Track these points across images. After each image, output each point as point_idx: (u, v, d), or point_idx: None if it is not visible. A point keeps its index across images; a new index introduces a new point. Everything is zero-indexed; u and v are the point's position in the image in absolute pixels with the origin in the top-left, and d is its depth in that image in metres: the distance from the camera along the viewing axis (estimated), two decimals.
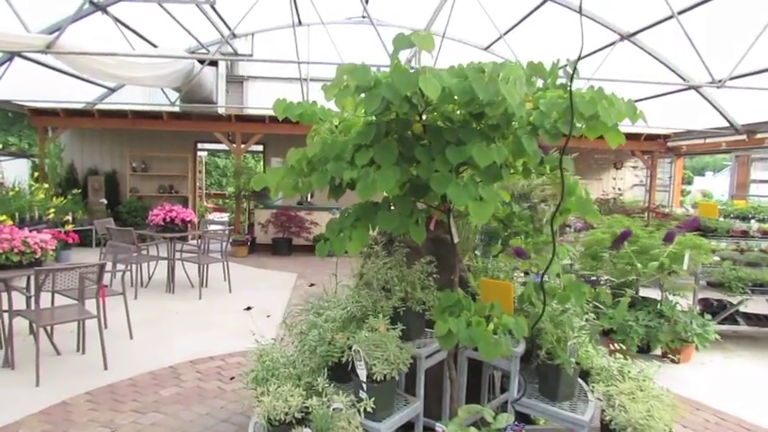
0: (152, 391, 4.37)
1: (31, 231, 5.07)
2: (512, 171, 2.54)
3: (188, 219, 7.84)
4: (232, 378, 4.57)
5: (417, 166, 2.30)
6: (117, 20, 8.82)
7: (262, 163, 14.25)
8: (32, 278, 4.82)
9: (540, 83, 2.52)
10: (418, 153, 2.30)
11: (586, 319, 2.77)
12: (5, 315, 4.75)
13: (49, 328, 5.19)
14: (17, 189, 9.05)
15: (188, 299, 7.38)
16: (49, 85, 10.73)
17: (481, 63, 2.21)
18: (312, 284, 4.54)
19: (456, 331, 2.08)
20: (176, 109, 11.97)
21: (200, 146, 13.87)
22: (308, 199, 12.14)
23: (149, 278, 8.17)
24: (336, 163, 2.32)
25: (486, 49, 12.58)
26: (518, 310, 2.55)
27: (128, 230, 7.32)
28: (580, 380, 2.85)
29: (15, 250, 4.70)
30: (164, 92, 11.21)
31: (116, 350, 5.12)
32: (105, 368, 4.74)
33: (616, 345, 3.90)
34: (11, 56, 9.16)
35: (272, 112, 9.73)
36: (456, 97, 2.12)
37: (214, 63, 11.49)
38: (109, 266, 5.53)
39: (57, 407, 4.04)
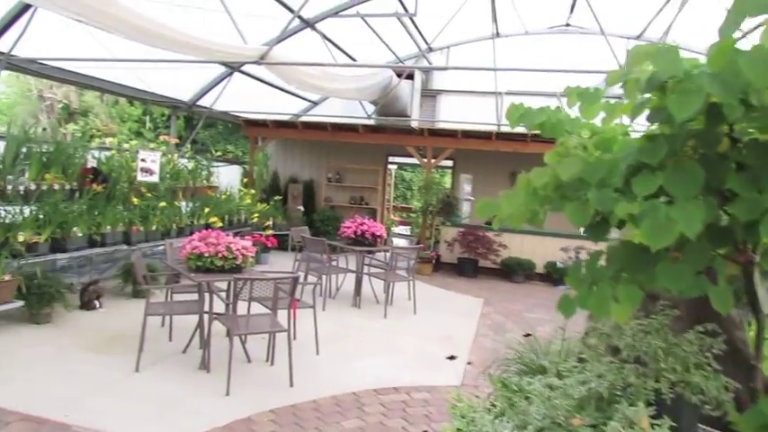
0: (334, 420, 4.06)
1: (236, 235, 5.18)
2: None
3: (378, 233, 7.67)
4: None
5: (732, 200, 1.55)
6: (323, 35, 9.11)
7: (450, 178, 13.90)
8: (231, 284, 4.88)
9: None
10: (732, 181, 1.55)
11: None
12: (206, 317, 4.86)
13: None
14: (228, 193, 9.78)
15: (373, 316, 7.17)
16: (260, 99, 11.56)
17: None
18: (528, 335, 3.80)
19: None
20: (372, 122, 12.16)
21: (390, 159, 13.96)
22: None
23: (337, 290, 8.17)
24: (601, 191, 1.66)
25: None
26: None
27: (320, 241, 7.35)
28: None
29: (219, 255, 4.79)
30: (362, 105, 11.40)
31: (302, 365, 4.97)
32: (291, 385, 4.59)
33: None
34: (230, 71, 9.98)
35: (464, 127, 9.29)
36: None
37: (410, 77, 11.43)
38: (301, 277, 5.48)
39: (242, 423, 3.91)
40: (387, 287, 7.33)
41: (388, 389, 4.75)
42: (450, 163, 13.24)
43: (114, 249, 6.83)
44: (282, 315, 4.95)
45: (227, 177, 11.57)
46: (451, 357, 5.24)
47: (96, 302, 6.37)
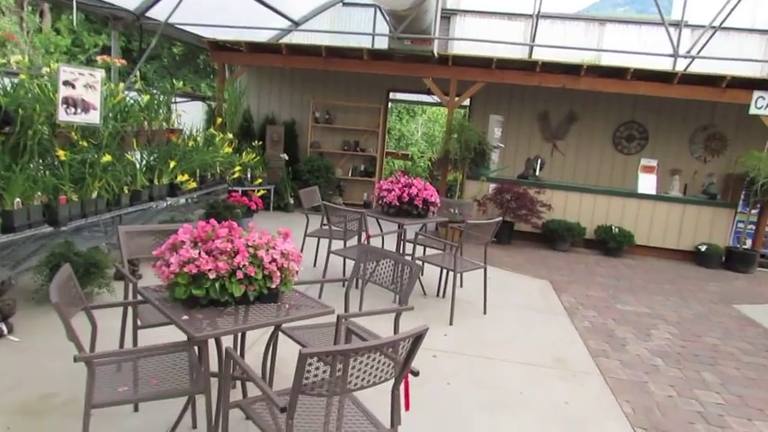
0: None
1: (208, 195, 2.74)
2: None
3: (432, 199, 5.33)
4: None
5: None
6: None
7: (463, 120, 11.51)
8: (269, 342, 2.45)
9: None
10: None
11: None
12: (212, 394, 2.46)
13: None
14: (197, 139, 7.11)
15: (433, 321, 4.89)
16: (225, 14, 8.67)
17: None
18: None
19: None
20: (378, 46, 9.54)
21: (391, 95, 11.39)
22: (535, 172, 9.25)
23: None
24: None
25: None
26: None
27: (357, 212, 4.95)
28: None
29: (239, 274, 2.36)
30: (383, 17, 8.61)
31: None
32: None
33: None
34: None
35: (499, 54, 6.74)
36: None
37: None
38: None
39: None
40: (455, 279, 5.03)
41: None
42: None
43: (30, 234, 4.22)
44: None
45: (189, 117, 8.81)
46: None
47: (2, 327, 3.84)
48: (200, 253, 2.34)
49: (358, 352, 1.88)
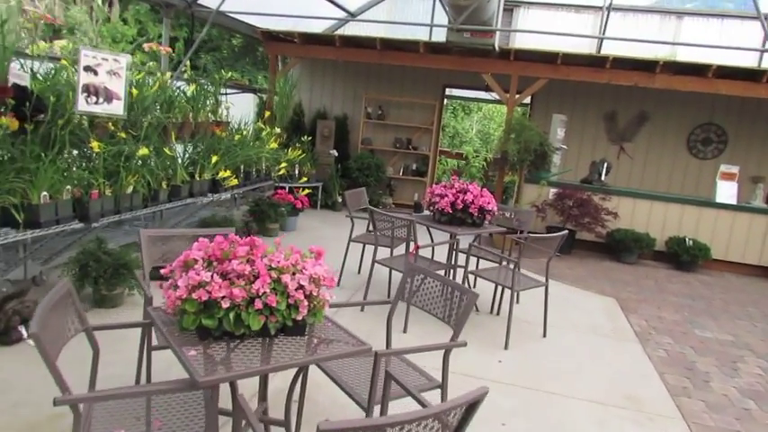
0: None
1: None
2: None
3: (489, 207, 4.82)
4: None
5: None
6: None
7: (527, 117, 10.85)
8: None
9: None
10: None
11: None
12: None
13: None
14: (244, 133, 6.83)
15: (485, 344, 4.41)
16: (279, 7, 8.35)
17: None
18: None
19: None
20: (435, 39, 9.05)
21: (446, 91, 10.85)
22: (601, 177, 8.53)
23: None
24: None
25: None
26: None
27: (407, 219, 4.50)
28: None
29: (257, 303, 1.96)
30: (442, 8, 8.11)
31: None
32: None
33: None
34: None
35: (564, 49, 6.10)
36: None
37: None
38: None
39: None
40: (512, 298, 4.51)
41: None
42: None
43: (59, 231, 3.99)
44: None
45: (239, 110, 8.57)
46: None
47: (22, 329, 3.61)
48: (212, 276, 1.95)
49: (394, 426, 1.44)
